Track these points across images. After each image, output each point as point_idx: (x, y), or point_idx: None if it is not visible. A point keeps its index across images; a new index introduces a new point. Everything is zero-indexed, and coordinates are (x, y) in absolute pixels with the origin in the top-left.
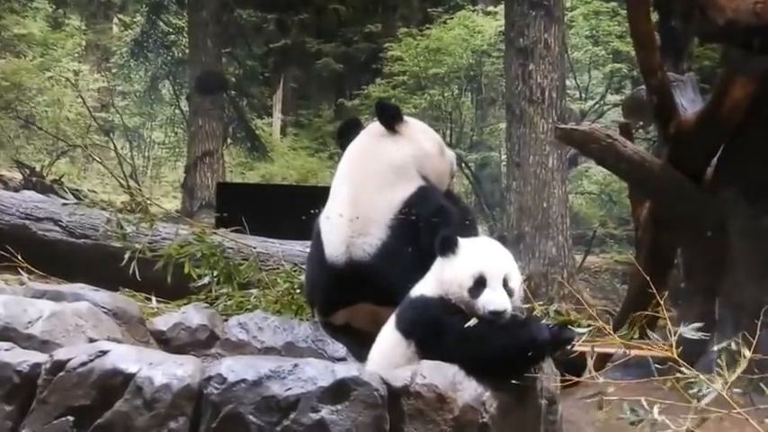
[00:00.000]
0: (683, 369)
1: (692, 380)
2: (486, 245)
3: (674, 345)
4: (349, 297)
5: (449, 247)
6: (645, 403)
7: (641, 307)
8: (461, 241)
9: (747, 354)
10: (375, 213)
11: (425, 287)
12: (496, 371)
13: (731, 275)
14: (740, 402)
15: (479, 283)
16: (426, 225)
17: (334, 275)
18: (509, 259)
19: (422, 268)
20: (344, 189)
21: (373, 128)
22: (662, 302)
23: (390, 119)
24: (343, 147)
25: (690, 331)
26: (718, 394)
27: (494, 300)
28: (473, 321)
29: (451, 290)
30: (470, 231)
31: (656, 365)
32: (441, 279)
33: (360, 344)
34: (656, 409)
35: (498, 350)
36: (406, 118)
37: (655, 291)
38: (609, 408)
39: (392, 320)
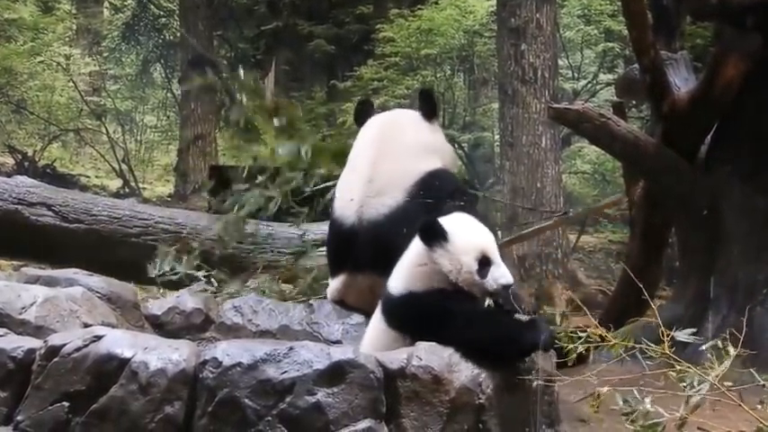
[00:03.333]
0: (676, 364)
1: (686, 373)
2: (467, 221)
3: (666, 343)
4: (355, 260)
5: (439, 235)
6: (637, 393)
7: (633, 293)
8: (445, 223)
9: (732, 352)
10: (396, 176)
11: (411, 282)
12: (490, 359)
13: (725, 254)
14: (732, 385)
15: (484, 263)
16: (446, 198)
17: (344, 235)
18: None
19: None
20: (367, 154)
21: (403, 111)
22: (653, 304)
23: (433, 108)
24: (361, 124)
25: (683, 335)
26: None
27: (504, 274)
28: (488, 302)
29: (461, 278)
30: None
31: (647, 362)
32: (436, 271)
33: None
34: (647, 400)
35: (497, 344)
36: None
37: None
38: (603, 397)
39: (382, 319)
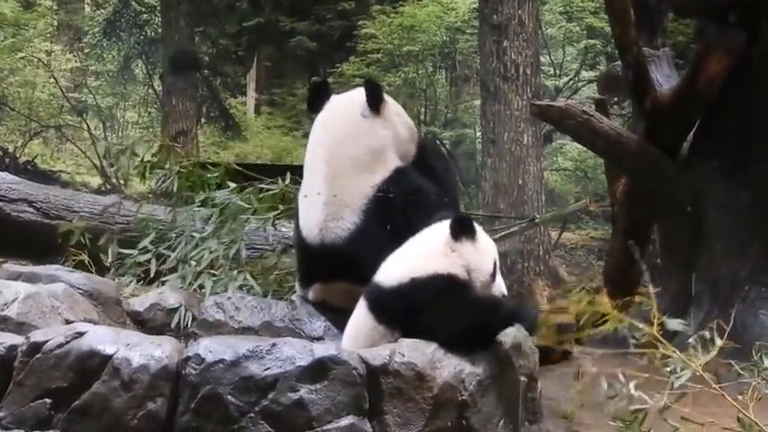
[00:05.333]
0: (661, 346)
1: (670, 357)
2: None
3: (655, 323)
4: (325, 275)
5: (471, 232)
6: (622, 377)
7: (616, 289)
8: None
9: (719, 342)
10: (349, 197)
11: (415, 269)
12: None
13: (708, 251)
14: (715, 379)
15: (494, 269)
16: (403, 207)
17: (311, 254)
18: None
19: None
20: (320, 170)
21: (350, 103)
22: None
23: (377, 100)
24: (315, 110)
25: (675, 324)
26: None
27: (502, 284)
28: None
29: (481, 277)
30: (450, 207)
31: (633, 340)
32: (458, 262)
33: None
34: (632, 385)
35: (481, 316)
36: (386, 96)
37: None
38: (585, 383)
39: (369, 316)
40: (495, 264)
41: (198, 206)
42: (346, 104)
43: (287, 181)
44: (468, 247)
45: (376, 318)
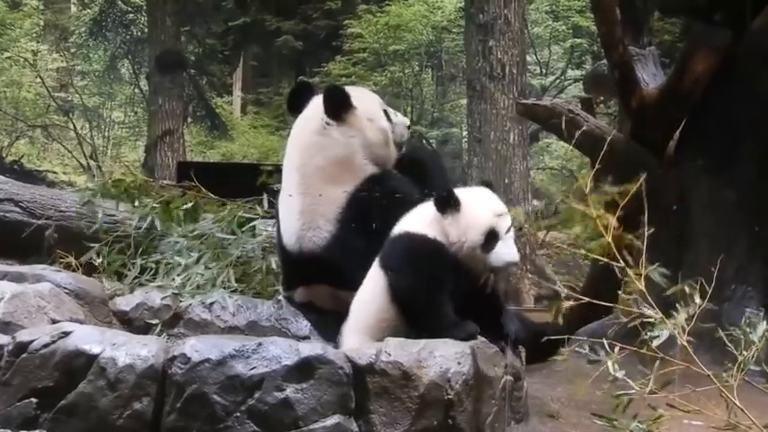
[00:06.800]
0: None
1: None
2: (482, 196)
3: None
4: (307, 279)
5: (451, 206)
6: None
7: (604, 284)
8: (460, 195)
9: (698, 300)
10: (322, 207)
11: (410, 225)
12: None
13: (694, 249)
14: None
15: (491, 238)
16: (381, 210)
17: (291, 261)
18: (503, 205)
19: (373, 254)
20: (293, 177)
21: (317, 110)
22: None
23: (337, 108)
24: (296, 112)
25: (656, 275)
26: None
27: (509, 252)
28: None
29: (463, 251)
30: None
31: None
32: (443, 233)
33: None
34: (611, 363)
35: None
36: (355, 101)
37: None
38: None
39: (375, 263)
40: (490, 232)
41: (178, 238)
42: (314, 110)
43: (265, 206)
44: (449, 221)
45: (380, 263)
